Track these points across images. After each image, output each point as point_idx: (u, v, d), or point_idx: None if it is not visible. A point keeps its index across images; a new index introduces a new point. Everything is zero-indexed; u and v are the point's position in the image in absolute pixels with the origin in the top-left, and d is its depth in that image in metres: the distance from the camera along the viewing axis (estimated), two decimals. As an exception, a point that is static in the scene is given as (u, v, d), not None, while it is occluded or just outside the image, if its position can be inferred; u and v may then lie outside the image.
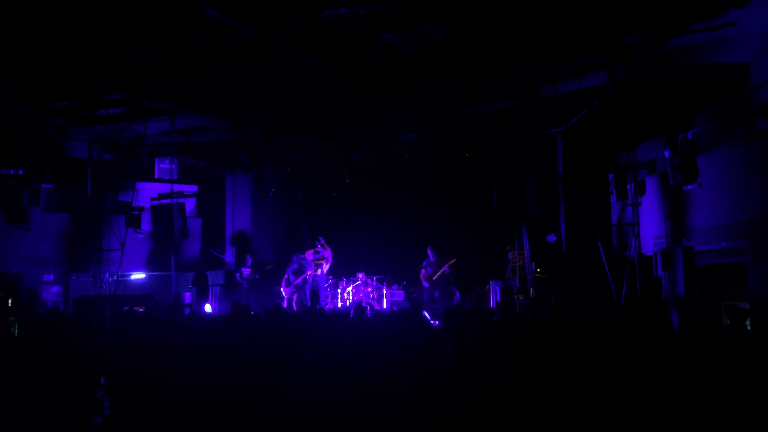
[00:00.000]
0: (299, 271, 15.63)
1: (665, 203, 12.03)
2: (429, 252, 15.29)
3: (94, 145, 14.37)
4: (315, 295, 15.31)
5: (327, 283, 15.85)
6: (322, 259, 15.57)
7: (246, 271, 16.20)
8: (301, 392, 5.42)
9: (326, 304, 15.36)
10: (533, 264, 14.31)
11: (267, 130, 13.46)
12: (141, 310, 12.50)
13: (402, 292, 15.82)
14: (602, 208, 13.57)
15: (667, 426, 4.72)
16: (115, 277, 14.44)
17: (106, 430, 6.05)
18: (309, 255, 15.68)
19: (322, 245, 15.67)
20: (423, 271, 15.30)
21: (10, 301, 13.91)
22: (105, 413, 6.24)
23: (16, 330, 12.91)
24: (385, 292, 15.71)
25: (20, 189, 13.14)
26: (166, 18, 8.43)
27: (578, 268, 13.40)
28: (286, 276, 15.73)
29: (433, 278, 14.96)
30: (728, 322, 8.86)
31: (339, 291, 15.81)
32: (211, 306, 15.26)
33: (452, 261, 14.91)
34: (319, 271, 15.45)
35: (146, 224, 15.50)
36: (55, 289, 15.27)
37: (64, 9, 8.20)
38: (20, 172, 13.19)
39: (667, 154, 10.84)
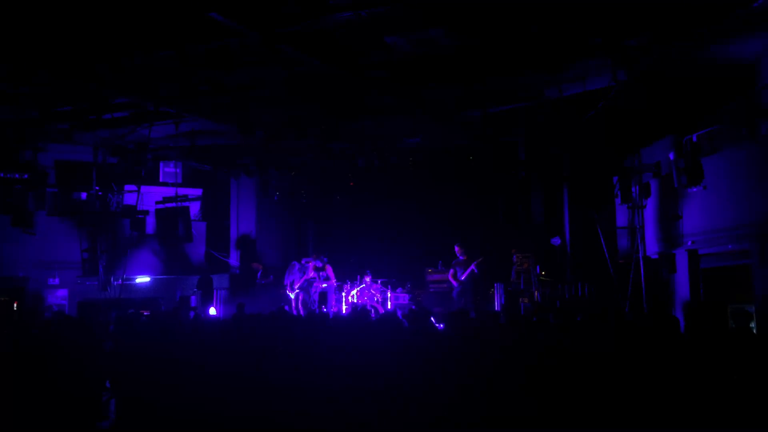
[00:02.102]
0: (302, 273, 15.63)
1: (670, 206, 12.00)
2: (456, 250, 15.13)
3: (99, 148, 14.42)
4: (323, 297, 15.29)
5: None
6: (323, 270, 15.53)
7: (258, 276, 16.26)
8: (303, 398, 5.42)
9: (331, 307, 15.35)
10: (538, 267, 14.29)
11: (271, 133, 13.48)
12: (146, 313, 12.52)
13: (407, 295, 15.80)
14: (607, 211, 13.55)
15: (670, 427, 4.71)
16: (120, 281, 14.47)
17: (111, 434, 6.06)
18: (310, 270, 15.58)
19: (319, 266, 15.53)
20: (452, 270, 15.15)
21: (15, 304, 13.96)
22: (110, 417, 6.25)
23: (22, 333, 12.92)
24: (389, 294, 15.70)
25: (25, 193, 13.20)
26: (170, 22, 8.46)
27: (583, 272, 13.39)
28: (288, 280, 15.72)
29: (462, 278, 14.84)
30: (733, 325, 8.82)
31: (343, 294, 15.81)
32: (216, 309, 15.28)
33: (479, 260, 14.79)
34: (325, 285, 15.43)
35: (151, 228, 15.53)
36: (60, 292, 15.32)
37: (69, 13, 8.23)
38: (25, 176, 13.24)
39: (671, 156, 10.82)
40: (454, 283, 14.96)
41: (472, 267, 14.66)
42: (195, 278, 16.02)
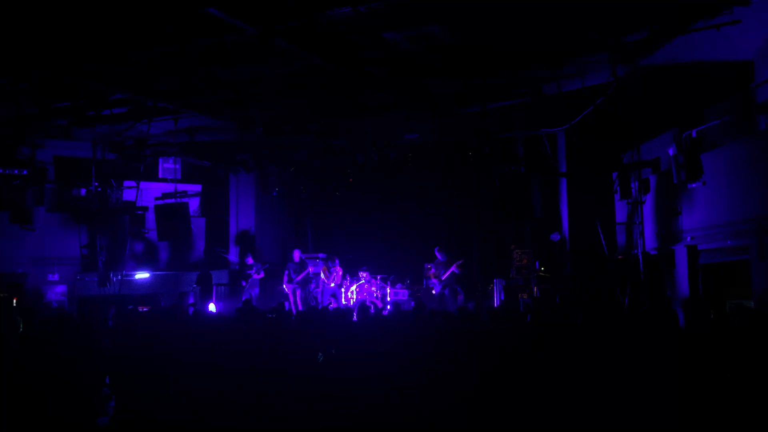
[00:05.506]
0: (302, 268, 15.63)
1: (669, 202, 11.99)
2: (437, 252, 15.20)
3: (97, 144, 14.42)
4: (334, 296, 15.34)
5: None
6: (330, 269, 15.60)
7: (250, 271, 16.25)
8: (304, 393, 5.42)
9: (329, 303, 15.35)
10: (537, 263, 14.30)
11: (270, 129, 13.46)
12: (145, 309, 12.51)
13: (406, 291, 15.81)
14: (606, 207, 13.54)
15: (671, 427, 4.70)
16: (119, 277, 14.47)
17: (111, 429, 6.06)
18: (321, 269, 15.67)
19: (328, 268, 15.63)
20: (433, 270, 15.21)
21: (14, 300, 13.94)
22: (110, 413, 6.24)
23: (21, 330, 12.94)
24: (388, 291, 15.70)
25: (24, 189, 13.18)
26: (169, 18, 8.44)
27: (582, 267, 13.39)
28: (287, 272, 15.71)
29: (443, 278, 14.87)
30: (736, 323, 8.82)
31: (343, 290, 15.82)
32: (215, 305, 15.27)
33: (459, 262, 14.84)
34: (332, 284, 15.47)
35: (150, 224, 15.53)
36: (59, 288, 15.32)
37: (68, 9, 8.21)
38: (24, 172, 13.23)
39: (671, 152, 10.80)
40: (434, 281, 15.03)
41: (453, 268, 14.72)
42: (194, 274, 16.03)
